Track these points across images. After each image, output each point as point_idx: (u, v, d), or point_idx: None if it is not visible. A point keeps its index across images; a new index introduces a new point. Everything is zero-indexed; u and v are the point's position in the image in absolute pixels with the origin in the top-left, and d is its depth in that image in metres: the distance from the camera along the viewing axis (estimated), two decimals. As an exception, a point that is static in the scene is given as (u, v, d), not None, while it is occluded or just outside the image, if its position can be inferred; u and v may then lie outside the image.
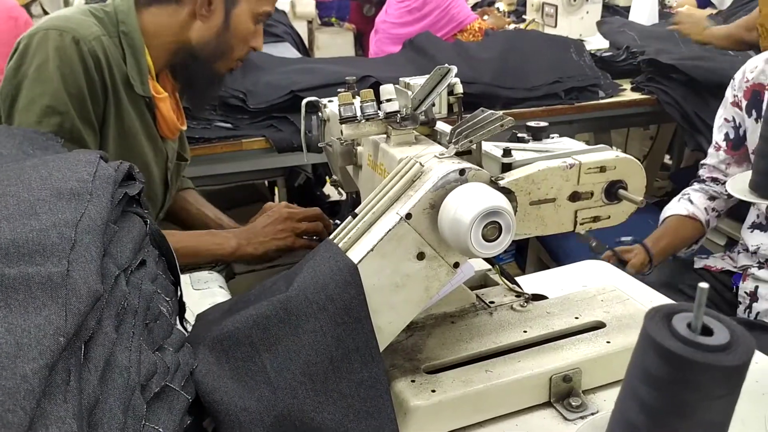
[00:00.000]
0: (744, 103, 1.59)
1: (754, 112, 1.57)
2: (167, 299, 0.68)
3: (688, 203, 1.71)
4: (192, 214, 1.53)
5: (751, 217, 1.58)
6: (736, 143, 1.64)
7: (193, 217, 1.52)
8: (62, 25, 1.13)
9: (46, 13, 3.34)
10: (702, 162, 1.77)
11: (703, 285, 0.37)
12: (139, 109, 1.25)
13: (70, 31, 1.12)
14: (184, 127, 1.40)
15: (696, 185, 1.75)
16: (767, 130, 0.79)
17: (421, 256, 0.73)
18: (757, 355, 0.95)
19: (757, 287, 1.52)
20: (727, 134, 1.66)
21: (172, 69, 1.33)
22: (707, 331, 0.39)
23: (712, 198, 1.71)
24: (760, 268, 1.53)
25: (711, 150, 1.73)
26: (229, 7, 1.25)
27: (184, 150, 1.50)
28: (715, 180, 1.71)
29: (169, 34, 1.25)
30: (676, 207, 1.72)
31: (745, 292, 1.54)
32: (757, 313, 1.50)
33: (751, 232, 1.57)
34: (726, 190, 1.62)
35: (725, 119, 1.66)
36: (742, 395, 0.80)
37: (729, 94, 1.65)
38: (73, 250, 0.50)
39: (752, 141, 1.58)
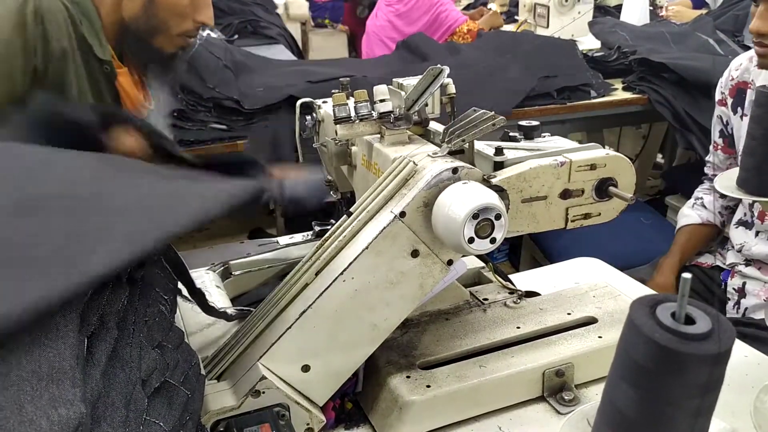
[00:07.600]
0: (730, 101, 1.62)
1: (739, 110, 1.60)
2: (166, 297, 0.69)
3: (702, 209, 1.72)
4: None
5: (738, 214, 1.60)
6: (731, 141, 1.67)
7: None
8: None
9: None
10: (707, 159, 1.78)
11: (686, 275, 0.38)
12: (94, 77, 1.24)
13: None
14: (150, 106, 1.39)
15: (706, 184, 1.77)
16: (753, 128, 0.80)
17: (415, 253, 0.75)
18: (748, 350, 0.96)
19: (744, 283, 1.54)
20: (721, 131, 1.68)
21: (127, 52, 1.32)
22: (690, 320, 0.40)
23: (723, 196, 1.73)
24: (746, 265, 1.55)
25: (711, 149, 1.75)
26: None
27: None
28: None
29: (110, 13, 1.25)
30: (691, 215, 1.73)
31: (733, 289, 1.56)
32: (746, 309, 1.52)
33: (736, 228, 1.59)
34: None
35: (718, 117, 1.69)
36: (733, 387, 0.81)
37: (717, 93, 1.67)
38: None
39: (738, 137, 1.61)
